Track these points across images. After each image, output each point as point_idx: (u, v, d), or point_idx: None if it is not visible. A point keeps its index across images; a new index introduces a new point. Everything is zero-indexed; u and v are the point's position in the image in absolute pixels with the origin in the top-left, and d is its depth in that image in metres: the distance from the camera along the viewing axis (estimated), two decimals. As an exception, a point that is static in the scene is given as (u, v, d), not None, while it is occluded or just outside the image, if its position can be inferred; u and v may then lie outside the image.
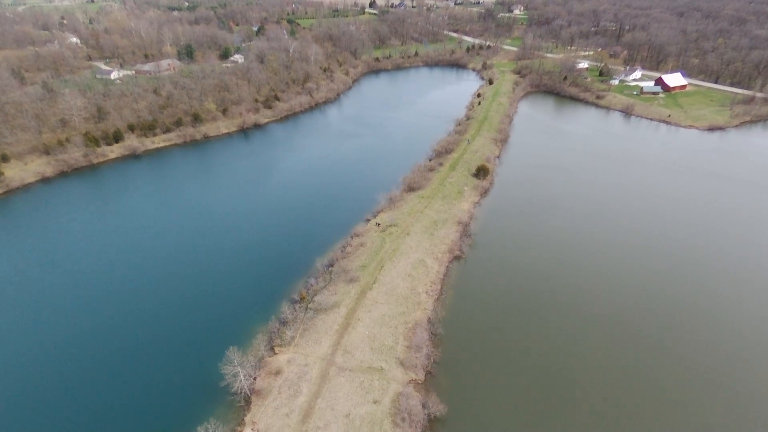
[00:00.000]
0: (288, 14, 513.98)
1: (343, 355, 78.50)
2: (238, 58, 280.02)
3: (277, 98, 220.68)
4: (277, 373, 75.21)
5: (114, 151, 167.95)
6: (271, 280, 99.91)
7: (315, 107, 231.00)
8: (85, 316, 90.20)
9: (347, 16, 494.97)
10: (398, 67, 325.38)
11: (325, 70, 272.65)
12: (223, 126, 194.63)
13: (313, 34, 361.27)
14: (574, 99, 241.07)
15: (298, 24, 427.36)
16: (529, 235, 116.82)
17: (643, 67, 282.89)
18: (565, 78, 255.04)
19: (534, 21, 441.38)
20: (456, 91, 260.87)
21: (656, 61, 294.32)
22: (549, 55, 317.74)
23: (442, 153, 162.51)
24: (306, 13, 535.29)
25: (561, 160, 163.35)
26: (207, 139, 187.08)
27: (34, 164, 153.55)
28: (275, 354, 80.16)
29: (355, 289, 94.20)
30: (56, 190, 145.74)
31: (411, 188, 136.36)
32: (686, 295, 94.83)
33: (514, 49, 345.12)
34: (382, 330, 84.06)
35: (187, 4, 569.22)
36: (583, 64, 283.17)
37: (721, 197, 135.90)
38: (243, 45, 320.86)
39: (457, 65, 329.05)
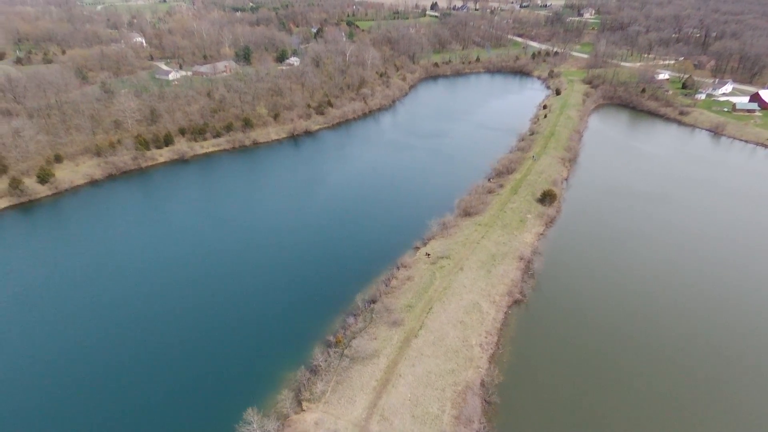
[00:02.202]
0: (348, 16, 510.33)
1: (380, 422, 66.95)
2: (294, 61, 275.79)
3: (330, 104, 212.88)
4: (302, 438, 64.91)
5: (163, 155, 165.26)
6: (305, 314, 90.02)
7: (368, 114, 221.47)
8: (83, 331, 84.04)
9: (407, 19, 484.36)
10: (458, 73, 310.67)
11: (381, 75, 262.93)
12: (273, 132, 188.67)
13: (372, 37, 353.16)
14: (653, 114, 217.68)
15: (357, 26, 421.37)
16: (604, 277, 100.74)
17: (735, 80, 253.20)
18: (643, 90, 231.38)
19: (607, 26, 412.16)
20: (519, 102, 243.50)
21: (750, 73, 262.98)
22: (624, 63, 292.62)
23: (502, 173, 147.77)
24: (366, 14, 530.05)
25: (639, 186, 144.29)
26: (256, 145, 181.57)
27: (85, 166, 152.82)
28: (302, 411, 69.80)
29: (399, 335, 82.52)
30: (103, 193, 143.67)
31: (467, 213, 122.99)
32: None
33: (585, 56, 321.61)
34: (426, 392, 71.84)
35: (251, 4, 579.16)
36: (664, 75, 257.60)
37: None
38: (300, 47, 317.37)
39: (521, 72, 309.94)
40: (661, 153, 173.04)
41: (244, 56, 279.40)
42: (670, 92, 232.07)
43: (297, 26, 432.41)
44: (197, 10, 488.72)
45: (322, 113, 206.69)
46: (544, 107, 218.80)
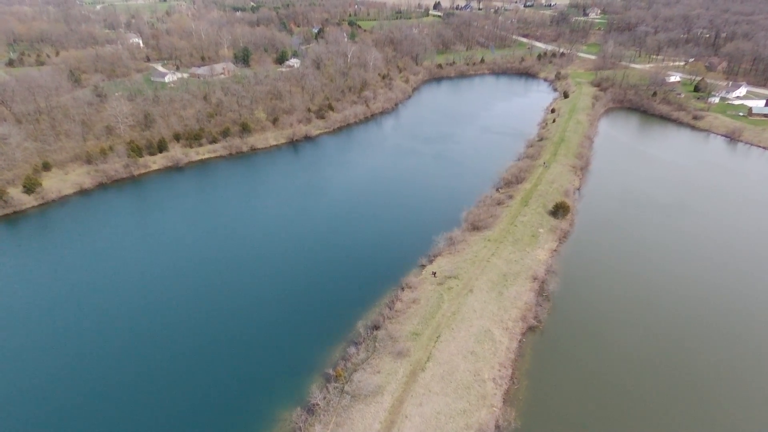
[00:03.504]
0: (349, 16, 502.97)
1: (384, 474, 59.99)
2: (294, 62, 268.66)
3: (331, 108, 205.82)
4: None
5: (156, 162, 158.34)
6: (301, 341, 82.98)
7: (371, 118, 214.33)
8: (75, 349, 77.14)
9: (410, 18, 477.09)
10: (462, 75, 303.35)
11: (383, 77, 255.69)
12: (272, 137, 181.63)
13: (374, 38, 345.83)
14: (666, 118, 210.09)
15: (359, 26, 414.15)
16: (626, 298, 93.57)
17: (748, 83, 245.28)
18: (655, 93, 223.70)
19: (614, 26, 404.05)
20: (526, 105, 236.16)
21: (764, 75, 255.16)
22: (633, 65, 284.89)
23: (511, 182, 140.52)
24: (368, 14, 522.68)
25: (656, 195, 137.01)
26: (254, 151, 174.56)
27: (74, 174, 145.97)
28: (298, 458, 62.88)
29: (404, 368, 75.42)
30: (93, 203, 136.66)
31: (475, 227, 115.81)
32: None
33: (592, 57, 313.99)
34: (435, 437, 64.82)
35: (252, 4, 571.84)
36: (675, 77, 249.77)
37: None
38: (301, 48, 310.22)
39: (527, 74, 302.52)
40: (676, 160, 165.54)
41: (243, 58, 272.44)
42: (683, 95, 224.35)
43: (298, 26, 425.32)
44: (197, 9, 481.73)
45: (322, 117, 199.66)
46: (552, 111, 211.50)
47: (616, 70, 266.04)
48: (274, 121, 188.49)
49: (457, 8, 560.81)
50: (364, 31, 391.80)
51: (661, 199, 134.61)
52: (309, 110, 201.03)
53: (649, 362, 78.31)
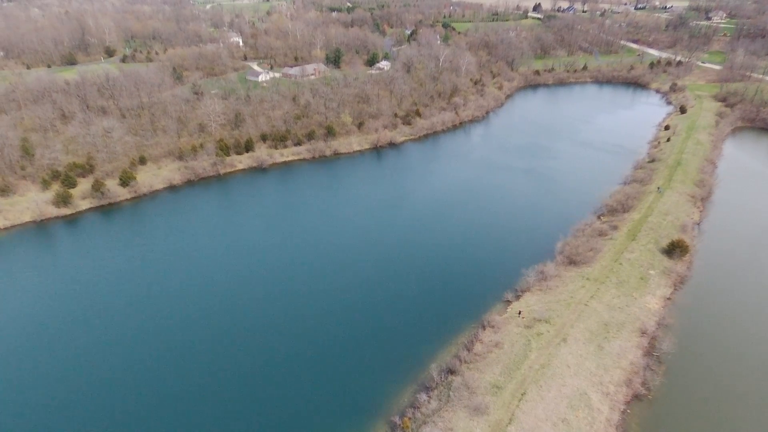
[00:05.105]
0: (444, 17, 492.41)
1: None
2: (384, 65, 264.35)
3: (418, 114, 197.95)
4: None
5: (242, 161, 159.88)
6: (365, 375, 75.51)
7: (459, 126, 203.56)
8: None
9: (507, 21, 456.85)
10: (561, 82, 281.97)
11: (475, 83, 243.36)
12: (355, 142, 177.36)
13: (468, 41, 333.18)
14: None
15: (453, 28, 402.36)
16: (758, 367, 76.01)
17: None
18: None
19: (743, 32, 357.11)
20: (633, 119, 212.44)
21: None
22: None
23: (616, 210, 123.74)
24: (463, 15, 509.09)
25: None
26: (336, 155, 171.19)
27: (166, 169, 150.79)
28: None
29: (481, 429, 65.36)
30: (180, 199, 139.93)
31: (571, 261, 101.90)
32: None
33: (716, 67, 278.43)
34: None
35: (348, 5, 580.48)
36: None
37: None
38: (393, 50, 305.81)
39: (636, 84, 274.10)
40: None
41: (335, 59, 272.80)
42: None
43: (391, 27, 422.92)
44: (296, 9, 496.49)
45: (408, 123, 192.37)
46: (666, 128, 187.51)
47: (746, 83, 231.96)
48: (360, 125, 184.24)
49: (559, 10, 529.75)
50: (458, 33, 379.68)
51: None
52: (395, 115, 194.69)
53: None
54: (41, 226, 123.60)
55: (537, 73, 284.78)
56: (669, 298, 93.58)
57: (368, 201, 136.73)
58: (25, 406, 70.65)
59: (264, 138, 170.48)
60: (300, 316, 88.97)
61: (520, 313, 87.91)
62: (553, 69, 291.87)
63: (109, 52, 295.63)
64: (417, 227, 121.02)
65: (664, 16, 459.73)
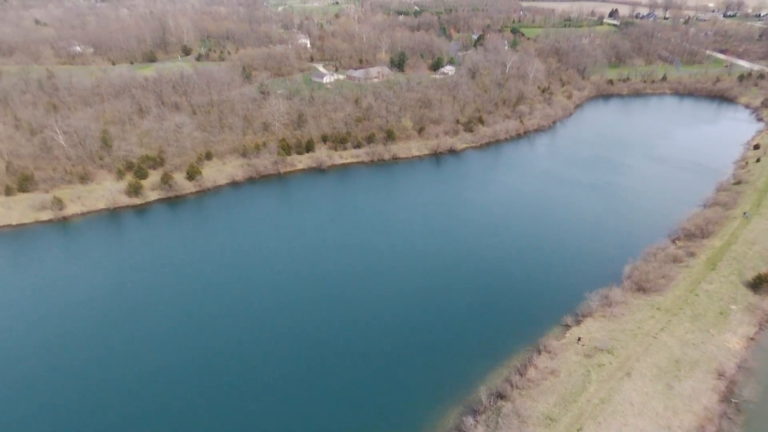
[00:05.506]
0: (513, 22, 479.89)
1: None
2: (449, 69, 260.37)
3: (481, 121, 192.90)
4: None
5: (302, 162, 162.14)
6: (410, 393, 72.95)
7: (523, 135, 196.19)
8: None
9: (581, 27, 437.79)
10: (636, 93, 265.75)
11: (543, 91, 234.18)
12: (415, 147, 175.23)
13: (537, 47, 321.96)
14: None
15: (522, 34, 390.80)
16: None
17: None
18: None
19: None
20: (717, 136, 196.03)
21: None
22: None
23: (694, 235, 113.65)
24: (533, 21, 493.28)
25: None
26: (395, 160, 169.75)
27: (230, 166, 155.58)
28: None
29: (530, 463, 61.15)
30: (242, 196, 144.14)
31: (640, 288, 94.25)
32: None
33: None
34: None
35: (416, 8, 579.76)
36: None
37: None
38: (458, 55, 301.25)
39: (722, 98, 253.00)
40: None
41: (399, 63, 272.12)
42: None
43: (458, 32, 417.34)
44: (363, 12, 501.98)
45: (470, 130, 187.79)
46: (756, 147, 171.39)
47: None
48: (420, 130, 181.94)
49: (637, 17, 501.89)
50: (527, 39, 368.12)
51: None
52: (457, 122, 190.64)
53: None
54: (114, 213, 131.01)
55: (610, 82, 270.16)
56: (753, 338, 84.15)
57: (424, 208, 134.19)
58: (97, 382, 74.60)
59: (324, 139, 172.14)
60: (348, 323, 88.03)
61: (579, 339, 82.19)
62: (628, 78, 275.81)
63: (186, 51, 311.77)
64: (472, 238, 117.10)
65: (758, 24, 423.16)
